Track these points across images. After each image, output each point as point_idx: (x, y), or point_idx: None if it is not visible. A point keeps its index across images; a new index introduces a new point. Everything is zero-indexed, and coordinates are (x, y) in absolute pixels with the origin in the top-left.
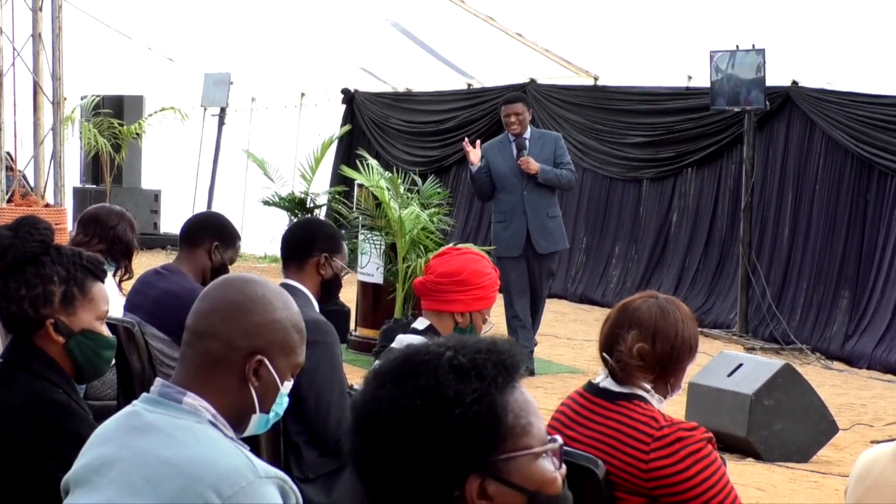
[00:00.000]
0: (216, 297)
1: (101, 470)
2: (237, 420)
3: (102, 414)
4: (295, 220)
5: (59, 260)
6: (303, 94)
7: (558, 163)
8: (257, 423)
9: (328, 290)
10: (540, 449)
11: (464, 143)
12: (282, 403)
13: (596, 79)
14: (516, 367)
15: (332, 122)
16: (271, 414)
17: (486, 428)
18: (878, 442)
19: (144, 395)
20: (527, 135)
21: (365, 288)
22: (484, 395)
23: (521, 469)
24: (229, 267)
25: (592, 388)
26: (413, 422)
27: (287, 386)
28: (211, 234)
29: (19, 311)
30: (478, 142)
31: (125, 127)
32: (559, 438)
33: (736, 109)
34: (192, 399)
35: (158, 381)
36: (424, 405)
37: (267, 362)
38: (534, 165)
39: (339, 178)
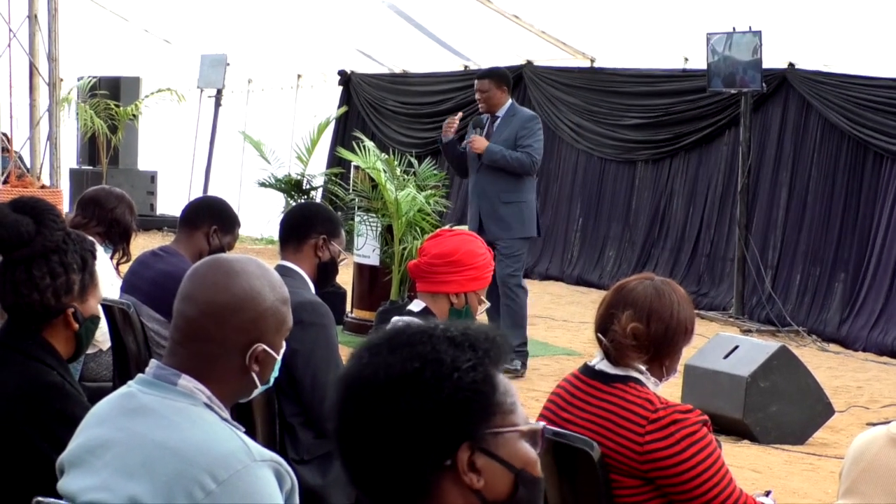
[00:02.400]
0: (205, 301)
1: (97, 451)
2: (238, 397)
3: (98, 395)
4: (292, 201)
5: (75, 248)
6: (299, 76)
7: (518, 144)
8: (259, 391)
9: (324, 274)
10: (526, 427)
11: (452, 118)
12: (278, 366)
13: (593, 61)
14: (504, 348)
15: (328, 104)
16: (270, 380)
17: (481, 395)
18: (874, 424)
19: (140, 376)
20: (500, 113)
21: (361, 270)
22: (478, 364)
23: (508, 445)
24: (227, 253)
25: (588, 371)
26: (412, 385)
27: (282, 351)
28: (211, 218)
29: (41, 300)
30: (460, 118)
31: (122, 108)
32: (541, 423)
33: (732, 91)
34: (186, 381)
35: (153, 362)
36: (423, 369)
37: (265, 347)
38: (478, 144)
39: (335, 160)
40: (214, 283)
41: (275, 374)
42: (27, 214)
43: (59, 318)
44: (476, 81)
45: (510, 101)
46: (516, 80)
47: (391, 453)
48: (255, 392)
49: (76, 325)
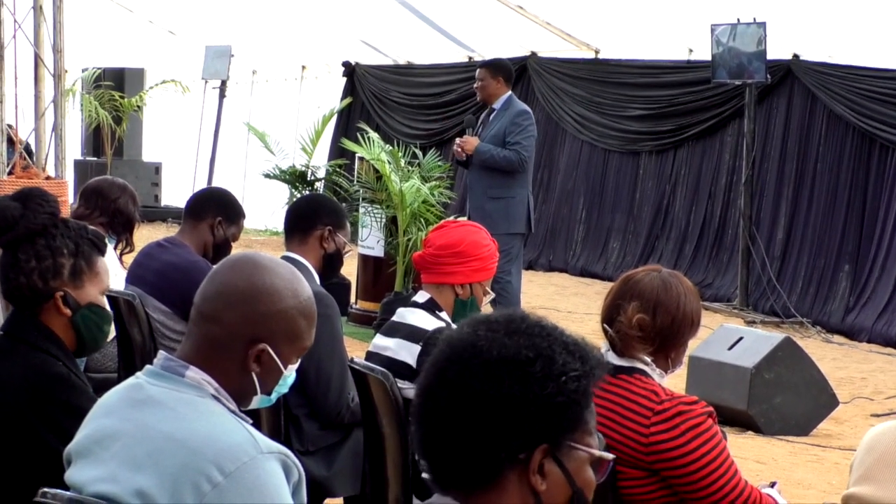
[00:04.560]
0: (223, 281)
1: (104, 442)
2: (239, 398)
3: (103, 387)
4: (296, 193)
5: (68, 233)
6: (304, 67)
7: (507, 141)
8: (259, 401)
9: (330, 265)
10: (598, 453)
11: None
12: (285, 383)
13: (597, 52)
14: (604, 373)
15: (332, 95)
16: (273, 395)
17: (576, 406)
18: (879, 415)
19: (147, 367)
20: (497, 105)
21: (365, 261)
22: (582, 376)
23: (577, 462)
24: (232, 244)
25: None
26: (520, 372)
27: (292, 369)
28: (215, 209)
29: (28, 283)
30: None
31: (126, 99)
32: (612, 455)
33: (737, 83)
34: (194, 373)
35: (162, 353)
36: (535, 361)
37: (270, 350)
38: (469, 146)
39: (339, 151)
40: (240, 269)
41: (280, 390)
42: (18, 201)
43: (51, 302)
44: (477, 71)
45: (508, 93)
46: (521, 71)
47: (477, 429)
48: (255, 401)
49: (67, 311)
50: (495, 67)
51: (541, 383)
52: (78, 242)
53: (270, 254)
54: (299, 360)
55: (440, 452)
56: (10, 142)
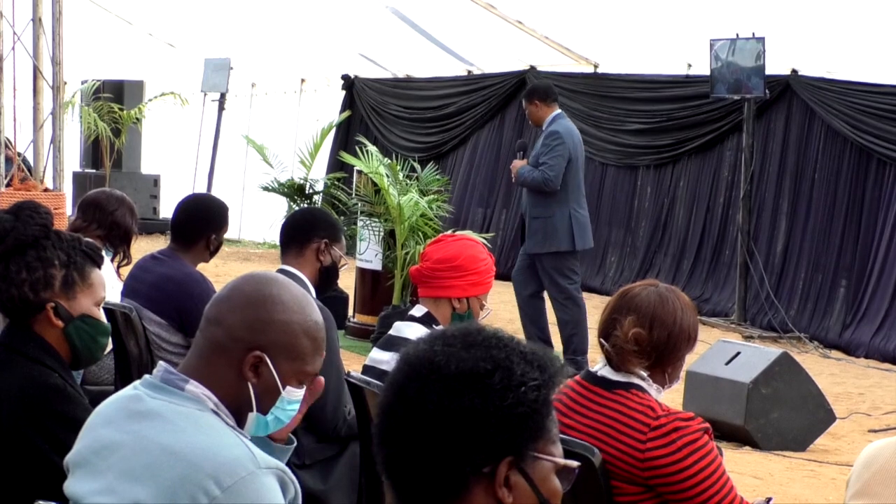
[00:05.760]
0: (233, 287)
1: (102, 453)
2: (235, 414)
3: (100, 399)
4: (294, 205)
5: (60, 244)
6: (303, 80)
7: (539, 162)
8: (255, 424)
9: (326, 278)
10: (563, 462)
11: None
12: (284, 409)
13: (596, 66)
14: (563, 380)
15: (331, 108)
16: (270, 417)
17: (537, 415)
18: (876, 431)
19: (147, 377)
20: (544, 126)
21: (363, 274)
22: (542, 386)
23: (542, 472)
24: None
25: (590, 377)
26: (480, 385)
27: (291, 392)
28: (208, 229)
29: (20, 295)
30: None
31: (125, 112)
32: (577, 462)
33: (735, 97)
34: (194, 387)
35: (162, 365)
36: (493, 372)
37: (267, 360)
38: (514, 171)
39: (338, 164)
40: (251, 280)
41: (279, 414)
42: (10, 213)
43: (43, 314)
44: None
45: (553, 113)
46: (520, 84)
47: (439, 445)
48: (250, 421)
49: (59, 322)
50: (529, 92)
51: (500, 395)
52: (70, 254)
53: (268, 267)
54: (303, 390)
55: (404, 471)
56: (9, 159)
